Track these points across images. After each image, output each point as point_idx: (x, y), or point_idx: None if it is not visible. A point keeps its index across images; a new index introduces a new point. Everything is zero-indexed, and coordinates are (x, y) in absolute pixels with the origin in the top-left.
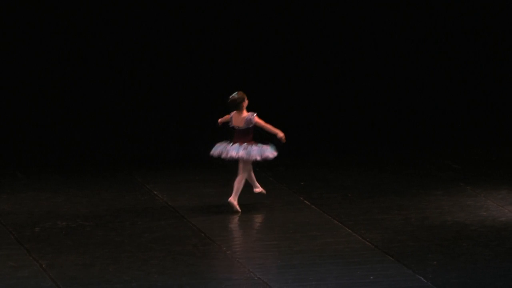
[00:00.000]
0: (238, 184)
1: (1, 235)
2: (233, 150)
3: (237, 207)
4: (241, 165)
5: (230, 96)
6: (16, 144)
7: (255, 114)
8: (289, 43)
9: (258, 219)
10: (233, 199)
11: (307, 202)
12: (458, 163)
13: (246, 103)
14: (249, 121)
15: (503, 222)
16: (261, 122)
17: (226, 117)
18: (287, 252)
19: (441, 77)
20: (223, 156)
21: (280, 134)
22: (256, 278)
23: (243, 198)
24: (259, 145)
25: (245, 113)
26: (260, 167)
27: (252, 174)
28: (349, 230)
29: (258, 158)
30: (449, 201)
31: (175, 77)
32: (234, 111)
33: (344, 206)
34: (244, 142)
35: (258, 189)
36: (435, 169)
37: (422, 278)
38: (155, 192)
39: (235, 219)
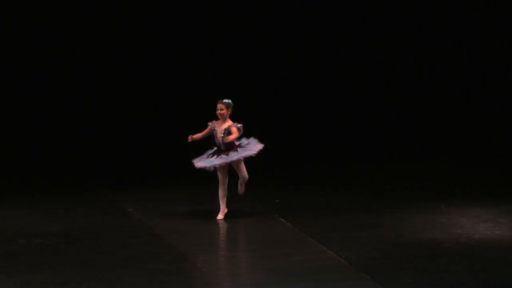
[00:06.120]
0: None
1: None
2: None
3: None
4: None
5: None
6: None
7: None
8: None
9: (231, 236)
10: None
11: (282, 219)
12: (431, 180)
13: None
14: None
15: (476, 240)
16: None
17: None
18: (260, 270)
19: (417, 94)
20: None
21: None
22: None
23: (215, 214)
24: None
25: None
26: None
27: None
28: (324, 247)
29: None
30: (423, 219)
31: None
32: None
33: (318, 223)
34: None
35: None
36: (408, 186)
37: None
38: (130, 210)
39: (209, 236)
